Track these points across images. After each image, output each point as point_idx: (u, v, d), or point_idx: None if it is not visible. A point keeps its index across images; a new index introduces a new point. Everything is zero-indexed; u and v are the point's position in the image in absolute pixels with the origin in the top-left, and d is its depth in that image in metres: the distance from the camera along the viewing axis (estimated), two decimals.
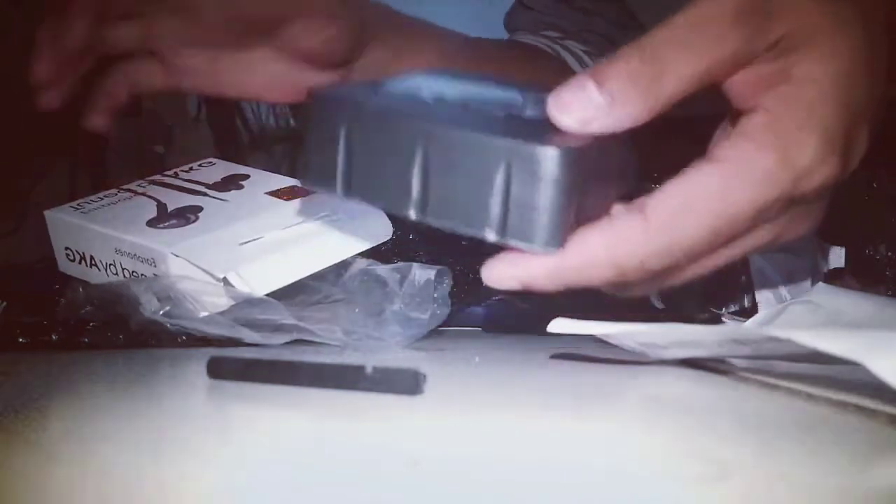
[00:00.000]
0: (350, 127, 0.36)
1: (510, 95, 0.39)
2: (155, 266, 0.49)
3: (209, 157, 0.62)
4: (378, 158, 0.36)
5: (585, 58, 0.74)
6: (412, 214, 0.35)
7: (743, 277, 0.52)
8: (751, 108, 0.33)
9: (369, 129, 0.36)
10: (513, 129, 0.34)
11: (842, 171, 0.33)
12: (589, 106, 0.32)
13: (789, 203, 0.33)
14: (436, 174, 0.34)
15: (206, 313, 0.47)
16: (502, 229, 0.33)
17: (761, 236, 0.34)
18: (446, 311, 0.50)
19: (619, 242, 0.32)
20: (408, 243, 0.56)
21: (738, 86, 0.33)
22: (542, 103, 0.35)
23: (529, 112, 0.36)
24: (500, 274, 0.34)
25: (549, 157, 0.32)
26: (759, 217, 0.33)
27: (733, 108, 0.35)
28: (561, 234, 0.33)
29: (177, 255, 0.48)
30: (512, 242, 0.33)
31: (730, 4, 0.32)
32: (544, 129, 0.34)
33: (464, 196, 0.34)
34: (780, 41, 0.32)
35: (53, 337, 0.47)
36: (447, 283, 0.51)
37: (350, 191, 0.36)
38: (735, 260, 0.35)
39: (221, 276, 0.46)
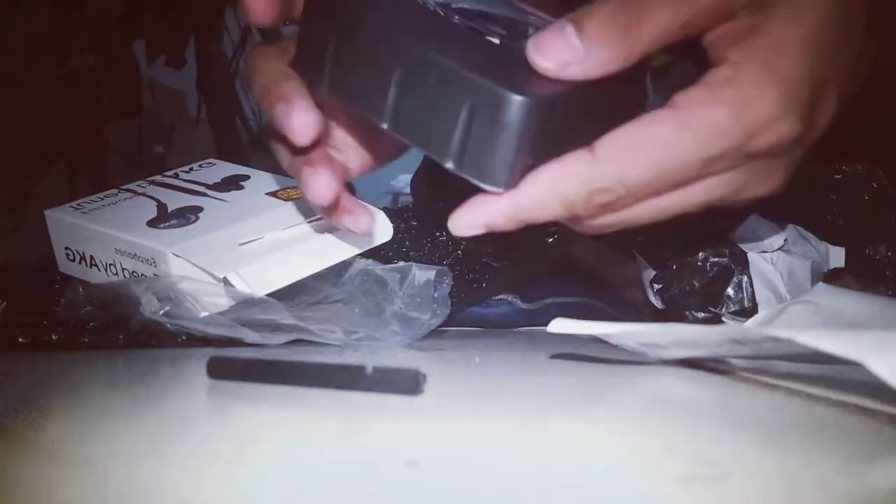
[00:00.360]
0: (340, 29, 0.37)
1: (520, 16, 0.38)
2: (155, 266, 0.49)
3: (209, 157, 0.63)
4: (361, 66, 0.36)
5: None
6: (385, 125, 0.36)
7: (743, 278, 0.52)
8: (720, 57, 0.33)
9: (357, 35, 0.36)
10: (491, 65, 0.34)
11: (803, 131, 0.33)
12: (567, 49, 0.32)
13: (744, 158, 0.33)
14: (410, 93, 0.35)
15: (206, 313, 0.47)
16: (459, 162, 0.34)
17: (716, 187, 0.34)
18: (446, 311, 0.50)
19: (565, 177, 0.33)
20: (408, 244, 0.56)
21: (714, 40, 0.33)
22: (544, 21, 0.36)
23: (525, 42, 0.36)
24: (463, 221, 0.35)
25: (512, 104, 0.32)
26: (708, 167, 0.33)
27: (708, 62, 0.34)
28: (512, 178, 0.34)
29: (177, 255, 0.48)
30: (465, 176, 0.34)
31: None
32: (523, 70, 0.34)
33: (432, 121, 0.35)
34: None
35: (53, 337, 0.47)
36: (447, 283, 0.51)
37: (334, 90, 0.37)
38: (691, 209, 0.35)
39: (222, 277, 0.46)
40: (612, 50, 0.32)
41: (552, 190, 0.33)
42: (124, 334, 0.47)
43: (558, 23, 0.33)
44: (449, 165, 0.35)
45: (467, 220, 0.35)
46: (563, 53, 0.32)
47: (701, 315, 0.52)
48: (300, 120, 0.38)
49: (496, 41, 0.36)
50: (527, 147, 0.33)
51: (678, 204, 0.35)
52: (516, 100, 0.32)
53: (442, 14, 0.37)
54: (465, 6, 0.39)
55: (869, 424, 0.28)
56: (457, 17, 0.38)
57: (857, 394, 0.30)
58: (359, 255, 0.51)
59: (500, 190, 0.34)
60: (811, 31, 0.32)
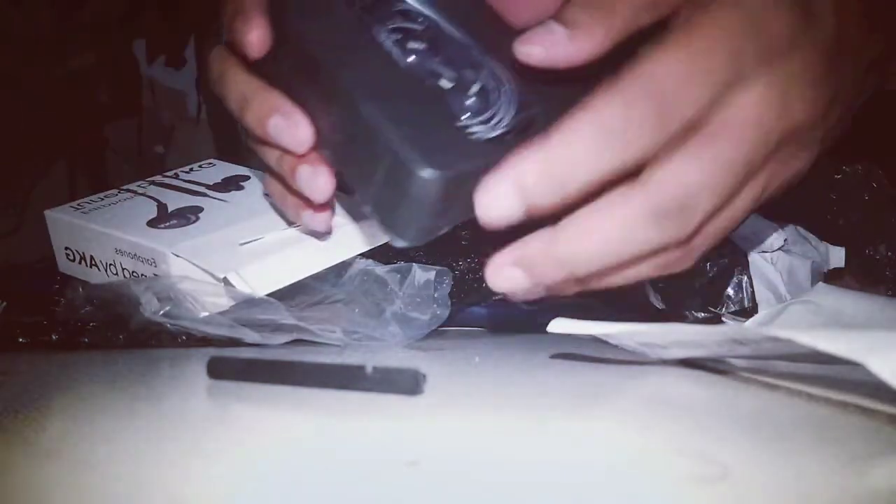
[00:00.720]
0: (291, 49, 0.39)
1: (476, 56, 0.39)
2: (155, 266, 0.49)
3: (209, 157, 0.63)
4: (309, 90, 0.38)
5: None
6: (327, 154, 0.39)
7: (743, 278, 0.52)
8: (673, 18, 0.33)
9: (306, 61, 0.38)
10: (417, 125, 0.35)
11: (794, 17, 0.32)
12: (552, 36, 0.33)
13: (757, 57, 0.31)
14: (347, 131, 0.37)
15: (206, 313, 0.47)
16: (375, 210, 0.36)
17: (755, 100, 0.32)
18: (446, 311, 0.50)
19: (593, 105, 0.31)
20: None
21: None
22: (497, 78, 0.37)
23: (479, 84, 0.38)
24: (499, 265, 0.34)
25: (418, 179, 0.33)
26: (733, 63, 0.31)
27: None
28: (419, 238, 0.35)
29: (177, 255, 0.48)
30: (377, 223, 0.36)
31: None
32: (450, 133, 0.36)
33: (358, 162, 0.36)
34: None
35: (53, 337, 0.47)
36: (447, 283, 0.51)
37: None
38: (749, 150, 0.32)
39: (222, 277, 0.46)
40: (594, 31, 0.33)
41: (582, 125, 0.31)
42: (124, 334, 0.47)
43: (544, 22, 0.34)
44: (367, 209, 0.36)
45: (496, 188, 0.32)
46: (548, 39, 0.33)
47: (701, 315, 0.52)
48: (305, 133, 0.39)
49: (446, 85, 0.38)
50: (435, 215, 0.34)
51: (728, 143, 0.32)
52: (422, 176, 0.33)
53: (394, 53, 0.39)
54: (432, 30, 0.40)
55: (869, 424, 0.28)
56: (412, 55, 0.39)
57: (857, 394, 0.30)
58: (359, 255, 0.51)
59: (410, 245, 0.36)
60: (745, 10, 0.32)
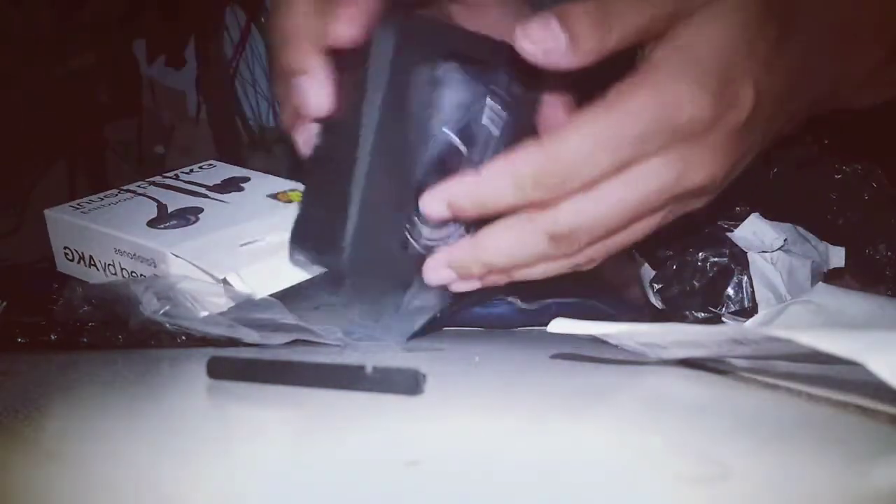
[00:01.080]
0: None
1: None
2: (155, 266, 0.49)
3: (209, 157, 0.63)
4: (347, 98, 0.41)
5: None
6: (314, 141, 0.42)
7: (743, 278, 0.52)
8: (645, 57, 0.38)
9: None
10: (377, 216, 0.40)
11: (717, 111, 0.36)
12: (550, 39, 0.36)
13: (670, 136, 0.36)
14: (337, 153, 0.40)
15: (206, 313, 0.47)
16: (303, 215, 0.41)
17: (654, 172, 0.37)
18: (445, 302, 0.50)
19: (515, 158, 0.38)
20: None
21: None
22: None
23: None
24: (431, 199, 0.40)
25: (340, 260, 0.39)
26: (640, 145, 0.36)
27: None
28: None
29: (177, 256, 0.48)
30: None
31: None
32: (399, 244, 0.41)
33: (323, 183, 0.41)
34: (696, 11, 0.37)
35: (53, 337, 0.47)
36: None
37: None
38: (642, 207, 0.38)
39: (222, 277, 0.46)
40: (589, 44, 0.36)
41: (504, 169, 0.38)
42: (124, 334, 0.47)
43: (544, 14, 0.36)
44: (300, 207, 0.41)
45: (433, 197, 0.40)
46: (547, 42, 0.36)
47: (701, 315, 0.52)
48: (321, 105, 0.41)
49: (461, 149, 0.43)
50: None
51: (625, 197, 0.38)
52: (342, 263, 0.39)
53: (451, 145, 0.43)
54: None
55: (869, 424, 0.28)
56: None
57: (857, 394, 0.30)
58: None
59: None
60: (719, 31, 0.37)
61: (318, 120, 0.41)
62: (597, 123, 0.37)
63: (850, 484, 0.22)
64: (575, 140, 0.37)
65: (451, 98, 0.43)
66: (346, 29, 0.40)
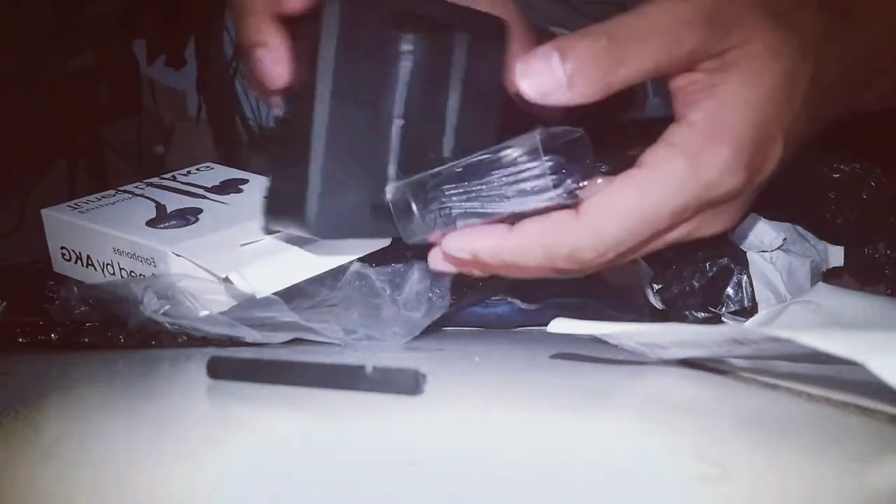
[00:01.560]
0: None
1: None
2: (154, 266, 0.49)
3: (209, 157, 0.63)
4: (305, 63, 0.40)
5: None
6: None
7: (743, 277, 0.52)
8: (680, 116, 0.36)
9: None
10: (342, 170, 0.39)
11: (749, 179, 0.36)
12: (550, 79, 0.34)
13: (703, 206, 0.36)
14: (292, 119, 0.40)
15: (206, 312, 0.47)
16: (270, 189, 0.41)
17: (678, 232, 0.38)
18: (444, 307, 0.50)
19: (551, 231, 0.36)
20: (405, 246, 0.56)
21: (678, 88, 0.36)
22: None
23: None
24: (454, 244, 0.38)
25: (303, 218, 0.38)
26: (675, 219, 0.36)
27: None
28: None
29: (178, 255, 0.48)
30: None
31: (700, 8, 0.34)
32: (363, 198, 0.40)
33: (284, 149, 0.40)
34: (725, 53, 0.35)
35: (53, 336, 0.47)
36: (445, 284, 0.51)
37: None
38: (655, 249, 0.39)
39: (223, 276, 0.46)
40: (591, 86, 0.34)
41: (538, 239, 0.37)
42: (124, 334, 0.47)
43: (545, 48, 0.35)
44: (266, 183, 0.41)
45: (457, 244, 0.38)
46: (546, 83, 0.34)
47: (701, 315, 0.52)
48: (279, 76, 0.40)
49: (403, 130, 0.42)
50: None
51: (649, 251, 0.39)
52: (306, 222, 0.38)
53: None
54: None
55: (869, 424, 0.28)
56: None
57: (857, 394, 0.30)
58: (357, 258, 0.51)
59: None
60: (760, 92, 0.35)
61: (280, 90, 0.41)
62: (635, 202, 0.35)
63: (850, 484, 0.22)
64: (613, 222, 0.36)
65: (407, 59, 0.42)
66: None
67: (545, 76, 0.34)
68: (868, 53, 0.38)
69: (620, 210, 0.36)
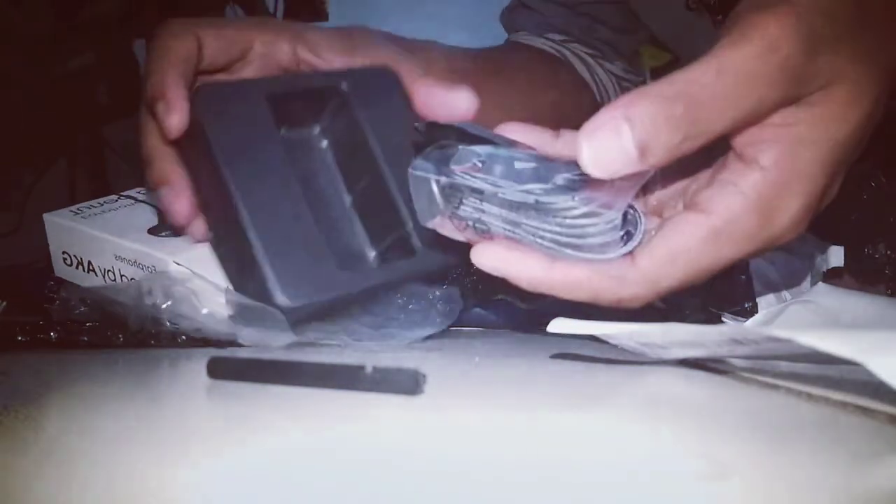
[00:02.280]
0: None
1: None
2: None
3: None
4: (208, 179, 0.46)
5: (591, 61, 0.73)
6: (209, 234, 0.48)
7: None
8: (749, 157, 0.34)
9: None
10: (287, 247, 0.43)
11: (810, 222, 0.36)
12: (620, 158, 0.32)
13: (760, 253, 0.36)
14: (226, 231, 0.45)
15: (206, 311, 0.47)
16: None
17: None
18: (451, 320, 0.50)
19: (602, 280, 0.35)
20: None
21: (745, 137, 0.34)
22: None
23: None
24: (493, 259, 0.36)
25: (275, 305, 0.42)
26: (728, 264, 0.35)
27: (731, 146, 0.35)
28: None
29: (179, 265, 0.48)
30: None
31: (779, 60, 0.32)
32: (324, 261, 0.44)
33: (230, 257, 0.46)
34: (803, 97, 0.33)
35: (53, 336, 0.47)
36: (454, 299, 0.51)
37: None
38: None
39: (224, 287, 0.46)
40: (664, 155, 0.32)
41: (587, 284, 0.35)
42: (123, 334, 0.47)
43: (613, 119, 0.32)
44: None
45: (492, 264, 0.36)
46: (615, 163, 0.32)
47: (701, 315, 0.52)
48: (185, 210, 0.46)
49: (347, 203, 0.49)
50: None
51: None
52: (279, 304, 0.42)
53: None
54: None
55: (869, 424, 0.28)
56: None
57: (857, 394, 0.30)
58: None
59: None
60: (840, 138, 0.34)
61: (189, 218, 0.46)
62: (697, 255, 0.34)
63: (850, 484, 0.22)
64: (671, 275, 0.34)
65: (305, 127, 0.48)
66: (171, 120, 0.43)
67: (614, 154, 0.32)
68: None
69: (681, 262, 0.34)
